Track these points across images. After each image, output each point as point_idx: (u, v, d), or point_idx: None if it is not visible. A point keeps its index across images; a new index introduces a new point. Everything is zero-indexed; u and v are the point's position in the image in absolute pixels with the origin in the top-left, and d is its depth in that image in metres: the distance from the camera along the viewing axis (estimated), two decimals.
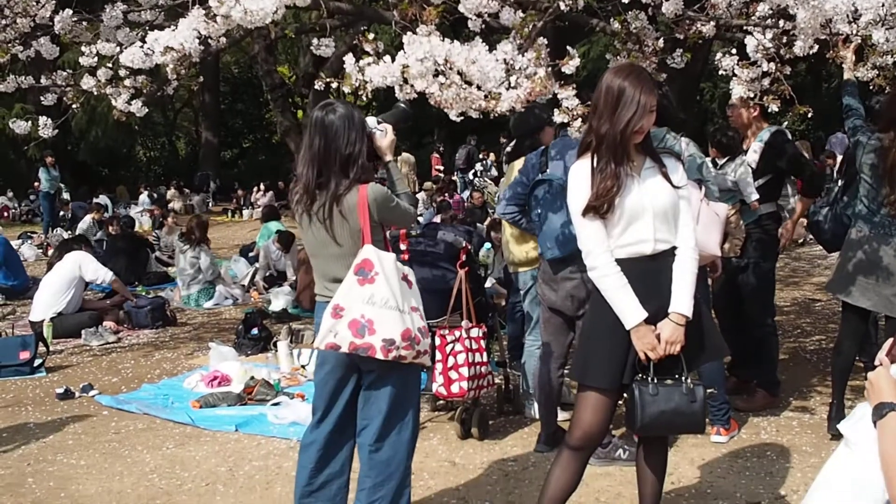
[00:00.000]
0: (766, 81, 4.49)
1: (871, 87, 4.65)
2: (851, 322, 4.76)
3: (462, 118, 4.12)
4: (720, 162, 5.33)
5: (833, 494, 2.33)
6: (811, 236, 10.01)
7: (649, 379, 3.16)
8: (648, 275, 3.18)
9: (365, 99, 3.92)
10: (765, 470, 4.40)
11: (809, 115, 5.26)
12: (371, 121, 3.52)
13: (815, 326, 7.79)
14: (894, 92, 4.55)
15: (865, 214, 4.63)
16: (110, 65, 6.33)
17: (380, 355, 3.27)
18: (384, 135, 3.53)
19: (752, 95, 4.49)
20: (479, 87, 3.73)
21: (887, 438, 2.18)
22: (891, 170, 4.44)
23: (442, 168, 21.72)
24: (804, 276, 10.10)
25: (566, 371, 4.65)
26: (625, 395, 3.22)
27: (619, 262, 3.17)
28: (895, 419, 2.20)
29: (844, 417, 4.61)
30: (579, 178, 3.20)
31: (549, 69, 4.02)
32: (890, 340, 2.41)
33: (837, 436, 4.51)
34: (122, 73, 6.26)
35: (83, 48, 5.45)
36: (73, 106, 7.14)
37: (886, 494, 2.17)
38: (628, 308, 3.13)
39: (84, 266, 8.71)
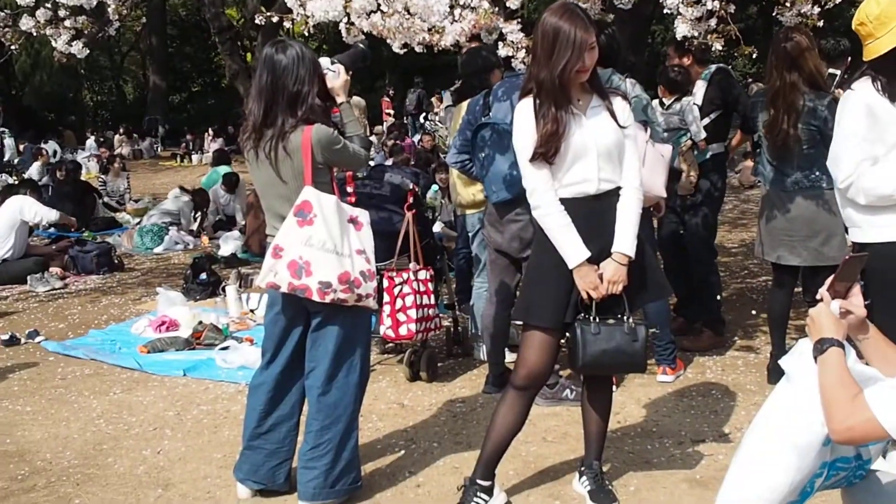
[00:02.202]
0: (712, 22, 4.47)
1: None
2: (784, 278, 4.82)
3: (408, 60, 4.06)
4: (668, 101, 5.33)
5: (772, 429, 2.33)
6: (759, 180, 10.15)
7: (591, 318, 3.17)
8: (592, 214, 3.18)
9: (307, 34, 3.84)
10: (710, 409, 4.49)
11: (754, 56, 5.28)
12: (325, 61, 3.47)
13: (762, 268, 7.90)
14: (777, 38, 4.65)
15: (768, 172, 4.68)
16: (49, 5, 6.13)
17: (316, 297, 3.26)
18: (337, 76, 3.48)
19: (695, 35, 4.47)
20: (422, 20, 3.66)
21: (827, 372, 2.20)
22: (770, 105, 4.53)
23: (392, 112, 21.54)
24: (752, 219, 10.22)
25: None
26: (567, 334, 3.24)
27: (562, 201, 3.16)
28: (835, 354, 2.22)
29: None
30: (524, 120, 3.17)
31: (494, 3, 3.97)
32: (831, 277, 2.43)
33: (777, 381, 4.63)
34: (62, 13, 6.07)
35: None
36: (13, 47, 6.93)
37: (825, 428, 2.19)
38: (571, 247, 3.13)
39: (25, 209, 8.54)
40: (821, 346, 2.26)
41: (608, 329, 3.18)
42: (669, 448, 4.01)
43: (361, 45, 3.72)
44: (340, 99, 3.51)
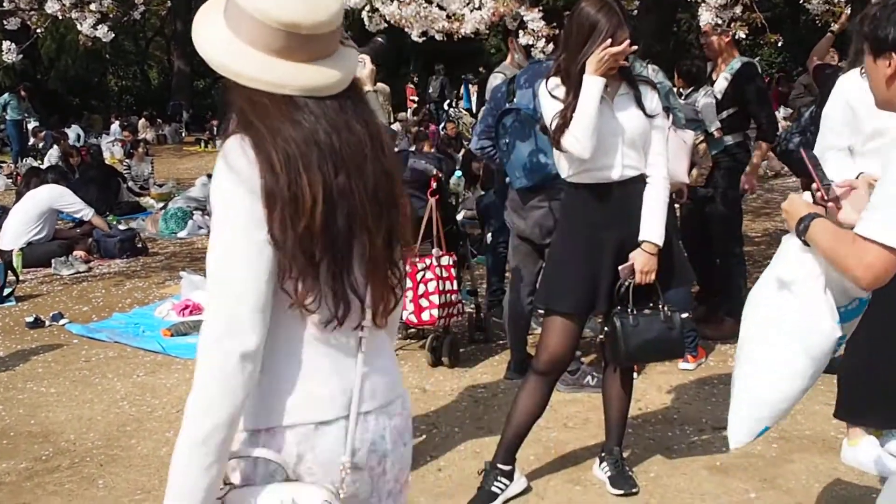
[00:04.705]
0: (737, 9, 4.43)
1: (818, 22, 4.62)
2: None
3: (433, 46, 4.06)
4: (685, 92, 5.29)
5: (782, 342, 2.25)
6: (785, 167, 10.05)
7: (629, 310, 3.18)
8: (614, 200, 3.20)
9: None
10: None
11: (780, 44, 5.22)
12: None
13: None
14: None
15: None
16: None
17: None
18: (363, 66, 3.48)
19: (720, 22, 4.43)
20: (441, 7, 3.65)
21: (820, 239, 2.08)
22: None
23: (416, 98, 21.52)
24: (776, 208, 10.13)
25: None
26: (589, 323, 3.25)
27: (584, 186, 3.18)
28: (819, 223, 2.10)
29: None
30: (552, 102, 3.18)
31: None
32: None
33: None
34: None
35: None
36: (38, 31, 6.97)
37: (836, 332, 2.15)
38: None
39: (65, 200, 8.65)
40: (804, 223, 2.13)
41: (646, 319, 3.20)
42: (690, 435, 4.00)
43: (380, 39, 3.73)
44: (367, 88, 3.50)
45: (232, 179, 1.48)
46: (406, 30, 3.86)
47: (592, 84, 3.04)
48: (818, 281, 2.20)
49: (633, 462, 3.66)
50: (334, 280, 1.53)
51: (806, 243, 2.15)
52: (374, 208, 1.55)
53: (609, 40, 3.04)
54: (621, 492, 3.40)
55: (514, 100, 4.43)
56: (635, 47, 3.15)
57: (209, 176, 11.46)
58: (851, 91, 3.42)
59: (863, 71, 3.34)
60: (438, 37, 3.91)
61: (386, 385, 1.66)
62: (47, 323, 6.33)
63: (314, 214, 1.47)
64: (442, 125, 15.90)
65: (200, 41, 1.53)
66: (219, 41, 1.52)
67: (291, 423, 1.54)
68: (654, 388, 4.59)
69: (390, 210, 1.60)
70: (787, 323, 2.27)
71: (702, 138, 5.16)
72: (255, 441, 1.55)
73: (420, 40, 3.97)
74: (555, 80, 3.20)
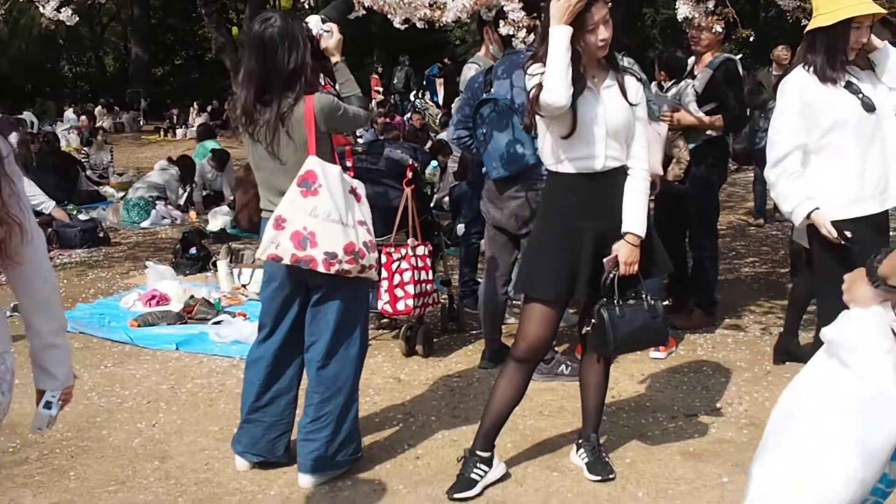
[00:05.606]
0: (710, 4, 4.47)
1: (789, 19, 4.68)
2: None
3: (398, 37, 4.03)
4: (667, 84, 5.34)
5: (829, 425, 1.85)
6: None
7: (615, 301, 3.21)
8: (595, 191, 3.22)
9: (308, 6, 3.79)
10: (701, 384, 4.54)
11: (751, 39, 5.26)
12: (315, 21, 3.37)
13: (749, 249, 7.99)
14: None
15: None
16: None
17: (321, 268, 3.25)
18: (330, 35, 3.42)
19: (695, 16, 4.46)
20: None
21: None
22: None
23: (381, 89, 21.45)
24: (739, 201, 10.31)
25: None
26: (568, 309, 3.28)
27: (567, 175, 3.20)
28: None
29: (795, 342, 4.76)
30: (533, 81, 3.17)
31: None
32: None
33: (783, 361, 4.68)
34: None
35: None
36: None
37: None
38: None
39: (26, 192, 8.46)
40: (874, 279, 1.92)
41: (632, 310, 3.24)
42: (663, 422, 4.06)
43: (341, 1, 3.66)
44: (335, 59, 3.45)
45: None
46: (388, 16, 3.83)
47: (557, 32, 3.02)
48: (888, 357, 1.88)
49: (609, 449, 3.70)
50: None
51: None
52: None
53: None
54: (599, 477, 3.44)
55: (492, 90, 4.44)
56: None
57: (169, 160, 11.33)
58: (803, 87, 3.49)
59: (807, 67, 3.45)
60: (420, 24, 3.88)
61: None
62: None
63: None
64: (408, 116, 15.87)
65: None
66: None
67: None
68: (627, 376, 4.64)
69: None
70: (838, 399, 1.90)
71: (680, 134, 5.21)
72: None
73: (402, 27, 3.93)
74: (536, 66, 3.20)
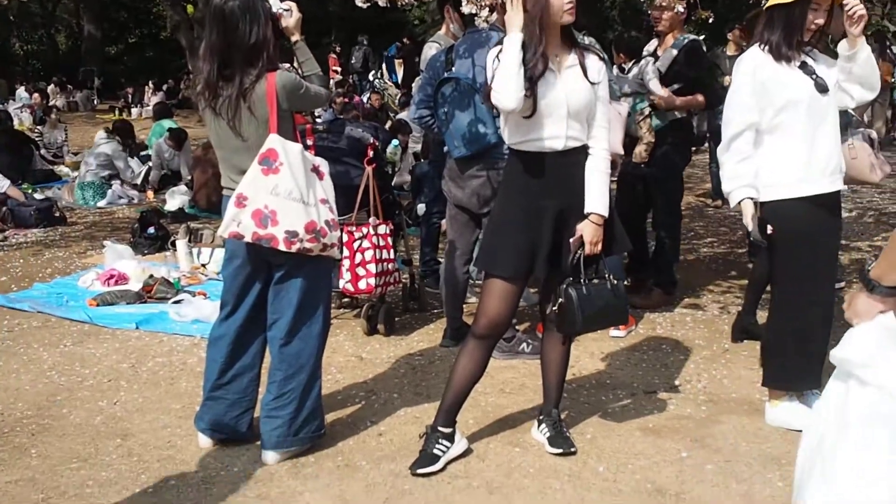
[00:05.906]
0: None
1: (748, 1, 4.74)
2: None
3: (356, 16, 4.02)
4: (627, 66, 5.38)
5: (868, 445, 1.81)
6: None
7: (581, 281, 3.24)
8: (556, 170, 3.25)
9: None
10: (660, 362, 4.62)
11: (710, 21, 5.33)
12: (274, 0, 3.37)
13: (708, 230, 8.11)
14: None
15: None
16: None
17: (282, 247, 3.25)
18: (290, 14, 3.40)
19: None
20: None
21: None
22: None
23: (339, 69, 21.32)
24: (698, 182, 10.43)
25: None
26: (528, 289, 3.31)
27: (527, 154, 3.23)
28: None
29: (753, 321, 4.83)
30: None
31: None
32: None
33: (741, 339, 4.76)
34: None
35: None
36: None
37: None
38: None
39: None
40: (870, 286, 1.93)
41: (596, 289, 3.28)
42: (623, 399, 4.12)
43: None
44: (295, 38, 3.44)
45: None
46: None
47: (510, 40, 3.09)
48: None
49: (570, 425, 3.75)
50: None
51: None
52: None
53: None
54: (560, 450, 3.49)
55: (453, 69, 4.44)
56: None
57: (106, 130, 11.13)
58: (758, 66, 3.57)
59: (763, 46, 3.53)
60: (382, 3, 3.87)
61: None
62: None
63: None
64: (366, 96, 15.80)
65: None
66: None
67: None
68: (587, 354, 4.70)
69: None
70: (869, 417, 1.89)
71: (646, 113, 5.25)
72: None
73: (364, 5, 3.92)
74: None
